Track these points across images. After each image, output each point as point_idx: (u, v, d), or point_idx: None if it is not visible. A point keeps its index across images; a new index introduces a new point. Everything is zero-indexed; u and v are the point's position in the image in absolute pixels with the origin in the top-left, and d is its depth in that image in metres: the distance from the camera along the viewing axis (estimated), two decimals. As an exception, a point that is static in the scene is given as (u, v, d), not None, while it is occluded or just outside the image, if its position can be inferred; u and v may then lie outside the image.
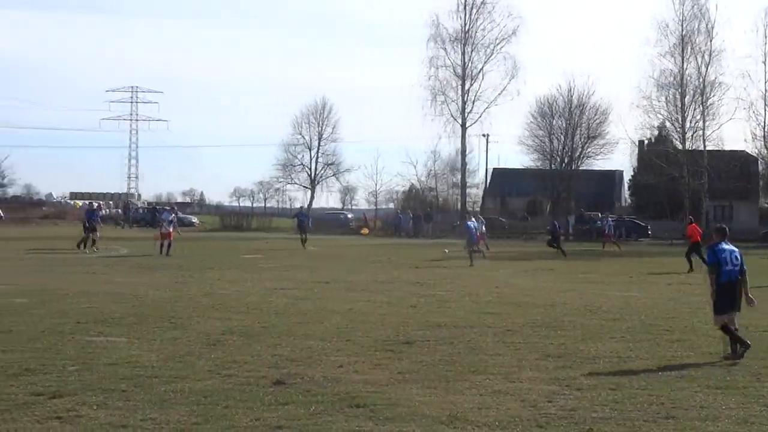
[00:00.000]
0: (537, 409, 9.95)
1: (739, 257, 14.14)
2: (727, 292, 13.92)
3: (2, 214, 37.41)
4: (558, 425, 9.28)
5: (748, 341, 13.62)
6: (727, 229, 14.83)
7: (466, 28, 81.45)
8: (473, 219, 45.72)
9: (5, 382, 10.97)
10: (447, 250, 41.19)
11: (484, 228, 51.02)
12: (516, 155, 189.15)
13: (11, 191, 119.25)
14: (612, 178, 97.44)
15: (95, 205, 47.73)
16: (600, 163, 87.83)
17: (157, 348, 13.68)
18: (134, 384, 10.95)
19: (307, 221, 50.98)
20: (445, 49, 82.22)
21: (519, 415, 9.66)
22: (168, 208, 52.53)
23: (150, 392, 10.50)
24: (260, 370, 11.96)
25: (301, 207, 70.87)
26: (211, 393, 10.49)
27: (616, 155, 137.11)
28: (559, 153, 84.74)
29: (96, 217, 43.85)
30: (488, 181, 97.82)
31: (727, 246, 14.21)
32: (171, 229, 39.50)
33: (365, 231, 77.26)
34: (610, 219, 59.36)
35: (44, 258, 35.58)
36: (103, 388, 10.69)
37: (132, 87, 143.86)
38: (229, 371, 11.88)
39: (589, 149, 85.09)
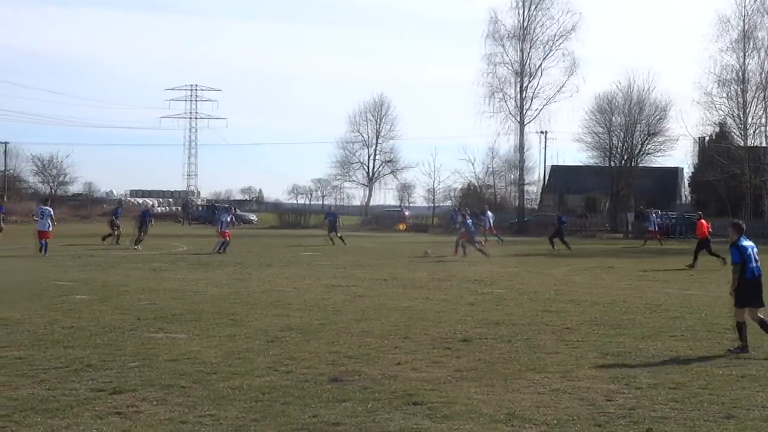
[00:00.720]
0: (595, 408, 9.88)
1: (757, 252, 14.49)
2: (753, 288, 14.19)
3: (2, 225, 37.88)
4: (617, 424, 9.21)
5: (748, 349, 13.75)
6: (743, 225, 14.96)
7: (525, 24, 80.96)
8: (487, 212, 46.80)
9: (67, 377, 11.11)
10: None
11: (491, 222, 53.97)
12: (575, 152, 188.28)
13: (72, 189, 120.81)
14: (672, 175, 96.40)
15: (152, 203, 48.72)
16: (660, 159, 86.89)
17: (216, 344, 13.78)
18: (193, 380, 11.04)
19: (335, 220, 51.31)
20: (503, 46, 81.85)
21: (577, 413, 9.60)
22: (225, 207, 53.03)
23: (209, 388, 10.58)
24: (318, 367, 12.00)
25: (330, 206, 71.24)
26: (269, 389, 10.54)
27: (677, 152, 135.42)
28: (618, 150, 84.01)
29: (119, 215, 45.91)
30: (546, 178, 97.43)
31: (747, 242, 14.44)
32: (227, 230, 39.50)
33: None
34: (653, 215, 58.63)
35: (107, 255, 35.94)
36: (163, 384, 10.79)
37: (191, 85, 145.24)
38: (287, 368, 11.93)
39: (648, 146, 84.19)
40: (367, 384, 10.95)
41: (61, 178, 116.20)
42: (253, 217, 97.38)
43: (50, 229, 35.71)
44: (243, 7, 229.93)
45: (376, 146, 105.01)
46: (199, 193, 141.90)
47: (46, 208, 36.62)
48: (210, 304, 19.11)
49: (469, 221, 40.20)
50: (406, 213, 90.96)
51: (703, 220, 35.87)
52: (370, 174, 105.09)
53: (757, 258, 14.36)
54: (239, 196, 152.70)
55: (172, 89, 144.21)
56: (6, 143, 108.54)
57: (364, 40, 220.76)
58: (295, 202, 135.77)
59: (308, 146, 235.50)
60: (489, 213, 56.44)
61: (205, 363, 12.20)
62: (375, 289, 23.03)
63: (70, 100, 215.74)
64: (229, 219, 40.71)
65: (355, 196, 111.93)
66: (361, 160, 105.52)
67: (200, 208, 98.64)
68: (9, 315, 16.77)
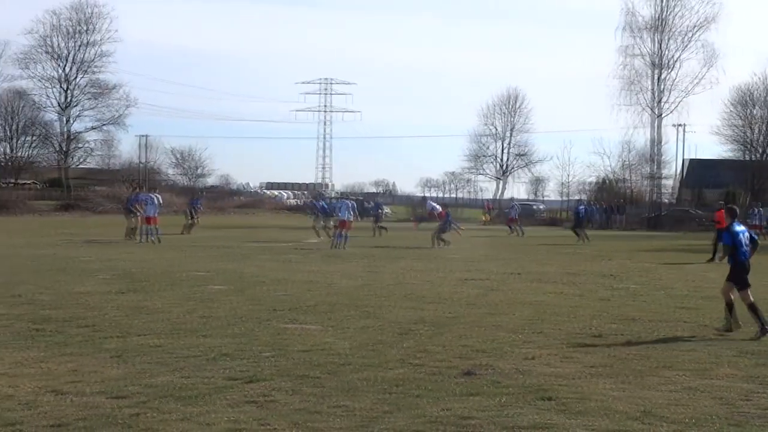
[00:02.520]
0: (733, 408, 9.65)
1: (749, 235, 15.72)
2: (744, 270, 15.42)
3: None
4: (755, 425, 8.98)
5: (739, 327, 14.94)
6: (737, 210, 16.58)
7: (661, 15, 79.63)
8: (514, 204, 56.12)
9: (203, 366, 11.33)
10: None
11: (516, 213, 57.15)
12: (714, 146, 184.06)
13: (209, 181, 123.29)
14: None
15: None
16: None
17: (349, 336, 13.89)
18: (326, 371, 11.14)
19: (381, 212, 52.18)
20: (639, 38, 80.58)
21: (714, 412, 9.39)
22: (354, 199, 53.75)
23: (342, 379, 10.66)
24: (450, 361, 12.00)
25: (377, 195, 71.72)
26: (401, 382, 10.57)
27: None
28: (758, 143, 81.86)
29: (197, 204, 48.20)
30: (683, 172, 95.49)
31: (739, 227, 15.70)
32: (349, 219, 38.31)
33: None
34: (759, 210, 56.75)
35: (242, 246, 36.56)
36: (297, 374, 10.91)
37: (325, 79, 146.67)
38: (418, 361, 11.95)
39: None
40: (499, 378, 10.91)
41: (197, 171, 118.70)
42: (385, 209, 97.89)
43: (156, 215, 38.70)
44: (377, 0, 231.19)
45: (509, 139, 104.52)
46: (332, 186, 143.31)
47: (153, 195, 39.93)
48: (343, 296, 19.28)
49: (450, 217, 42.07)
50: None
51: (722, 210, 34.78)
52: (502, 167, 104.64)
53: (748, 243, 15.49)
54: (371, 189, 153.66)
55: (306, 83, 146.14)
56: (145, 136, 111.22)
57: (497, 32, 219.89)
58: (427, 195, 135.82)
59: (441, 139, 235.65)
60: (515, 204, 57.42)
61: (338, 354, 12.30)
62: (507, 283, 22.92)
63: (206, 94, 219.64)
64: (345, 207, 39.22)
65: (487, 189, 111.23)
66: (493, 153, 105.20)
67: (332, 201, 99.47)
68: (148, 304, 17.22)
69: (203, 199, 52.33)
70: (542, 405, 9.56)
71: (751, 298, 15.23)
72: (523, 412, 9.24)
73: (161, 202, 39.72)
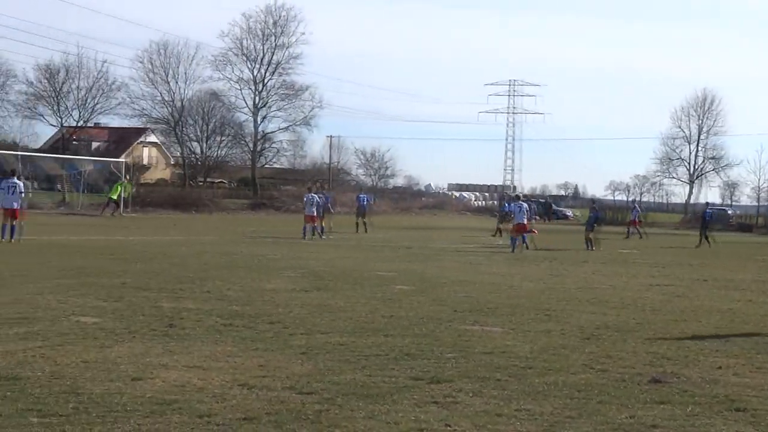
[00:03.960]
0: None
1: None
2: None
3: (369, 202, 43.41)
4: None
5: None
6: None
7: None
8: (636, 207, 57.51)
9: (386, 365, 11.42)
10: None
11: (637, 216, 56.90)
12: None
13: (393, 182, 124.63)
14: None
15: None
16: None
17: (531, 339, 13.79)
18: (509, 374, 11.08)
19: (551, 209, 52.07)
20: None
21: None
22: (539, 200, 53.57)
23: (524, 383, 10.58)
24: (635, 367, 11.77)
25: (518, 195, 70.94)
26: (584, 387, 10.42)
27: None
28: None
29: (330, 201, 47.47)
30: None
31: None
32: (524, 221, 37.64)
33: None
34: None
35: (425, 247, 36.78)
36: (479, 376, 10.89)
37: (511, 80, 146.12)
38: (603, 366, 11.77)
39: None
40: (687, 387, 10.63)
41: (383, 171, 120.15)
42: (569, 212, 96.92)
43: (315, 214, 40.38)
44: (567, 3, 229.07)
45: (701, 142, 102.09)
46: (516, 188, 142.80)
47: (313, 195, 41.05)
48: (525, 298, 19.16)
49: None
50: (731, 212, 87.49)
51: None
52: (692, 171, 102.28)
53: None
54: (556, 191, 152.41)
55: (493, 84, 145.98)
56: (332, 137, 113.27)
57: (687, 32, 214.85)
58: (612, 198, 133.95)
59: (628, 142, 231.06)
60: (636, 206, 57.18)
61: (520, 357, 12.22)
62: (694, 290, 22.37)
63: (392, 96, 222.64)
64: (520, 210, 38.11)
65: (675, 193, 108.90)
66: (683, 157, 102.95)
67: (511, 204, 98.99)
68: (333, 302, 17.47)
69: (365, 195, 51.75)
70: (732, 416, 9.28)
71: None
72: (712, 422, 8.99)
73: (319, 201, 41.21)
